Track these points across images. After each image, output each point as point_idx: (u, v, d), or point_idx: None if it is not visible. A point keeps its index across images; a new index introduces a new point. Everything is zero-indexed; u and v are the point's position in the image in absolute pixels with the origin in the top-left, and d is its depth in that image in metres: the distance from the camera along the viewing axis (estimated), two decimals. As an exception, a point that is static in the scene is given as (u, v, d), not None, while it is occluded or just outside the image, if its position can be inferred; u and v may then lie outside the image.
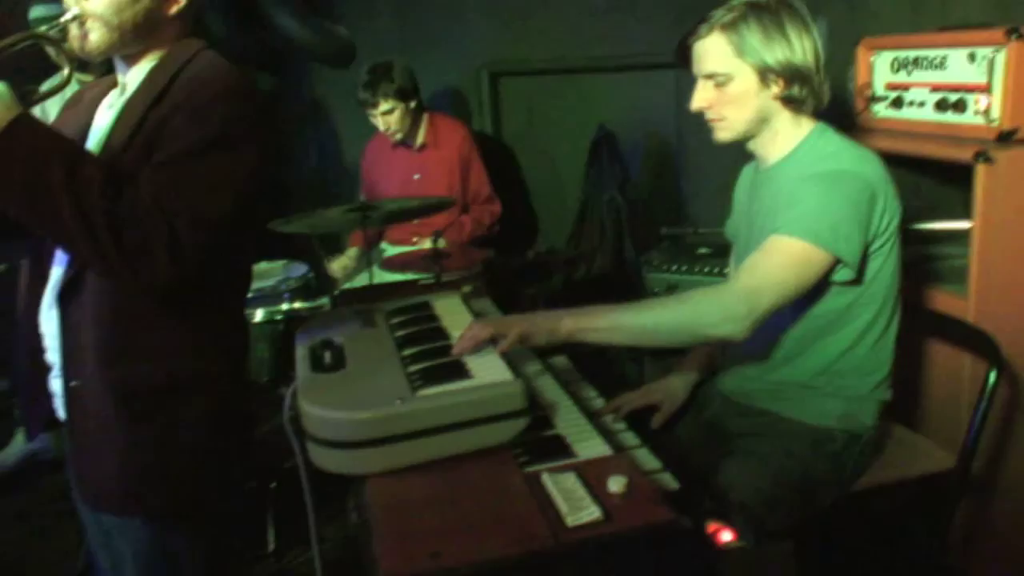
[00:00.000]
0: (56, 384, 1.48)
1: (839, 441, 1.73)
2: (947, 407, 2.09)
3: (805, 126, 1.74)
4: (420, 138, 3.46)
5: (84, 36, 1.38)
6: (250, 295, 2.92)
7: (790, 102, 1.68)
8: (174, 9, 1.44)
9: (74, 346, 1.41)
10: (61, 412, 1.48)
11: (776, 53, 1.63)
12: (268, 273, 3.24)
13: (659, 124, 3.29)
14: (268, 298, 3.02)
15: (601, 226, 3.37)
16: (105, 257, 1.24)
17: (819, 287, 1.66)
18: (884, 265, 1.69)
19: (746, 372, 1.83)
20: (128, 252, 1.24)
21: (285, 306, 2.99)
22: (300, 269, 3.26)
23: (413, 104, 3.35)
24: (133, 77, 1.46)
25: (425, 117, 3.47)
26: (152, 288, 1.31)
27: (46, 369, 1.51)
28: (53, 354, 1.47)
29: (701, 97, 1.72)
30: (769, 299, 1.55)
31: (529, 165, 4.06)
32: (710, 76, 1.69)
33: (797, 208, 1.61)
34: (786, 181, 1.70)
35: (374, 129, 3.49)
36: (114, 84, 1.53)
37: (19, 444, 3.20)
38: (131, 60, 1.46)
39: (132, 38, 1.41)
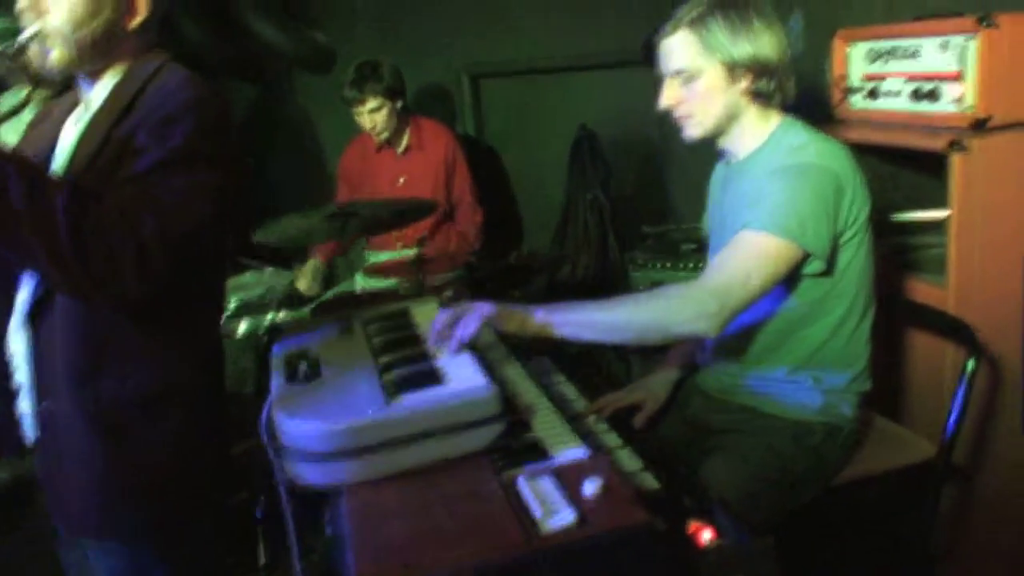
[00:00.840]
0: (25, 406, 1.46)
1: (819, 434, 1.74)
2: (929, 397, 2.10)
3: (773, 120, 1.74)
4: (405, 141, 3.45)
5: (45, 53, 1.37)
6: (235, 306, 2.98)
7: (758, 96, 1.69)
8: (134, 23, 1.42)
9: (44, 367, 1.40)
10: (30, 435, 1.47)
11: (743, 48, 1.64)
12: (253, 284, 3.24)
13: (640, 122, 3.30)
14: (253, 309, 3.02)
15: (585, 226, 3.38)
16: (72, 277, 1.22)
17: (791, 281, 1.67)
18: (855, 257, 1.70)
19: (725, 368, 1.84)
20: (95, 271, 1.22)
21: (271, 316, 2.99)
22: (285, 278, 3.26)
23: (400, 104, 3.34)
24: (97, 93, 1.44)
25: (410, 120, 3.46)
26: (122, 306, 1.30)
27: (13, 392, 1.48)
28: (21, 375, 1.46)
29: (669, 95, 1.72)
30: (739, 295, 1.56)
31: (512, 166, 4.06)
32: (677, 73, 1.70)
33: (764, 203, 1.61)
34: (755, 175, 1.71)
35: (356, 134, 3.48)
36: (78, 101, 1.52)
37: (2, 463, 3.19)
38: (94, 76, 1.45)
39: (93, 53, 1.40)
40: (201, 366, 1.50)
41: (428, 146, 3.46)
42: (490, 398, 1.27)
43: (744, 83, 1.67)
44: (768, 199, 1.62)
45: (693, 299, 1.58)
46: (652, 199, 3.50)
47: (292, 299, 3.16)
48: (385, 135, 3.36)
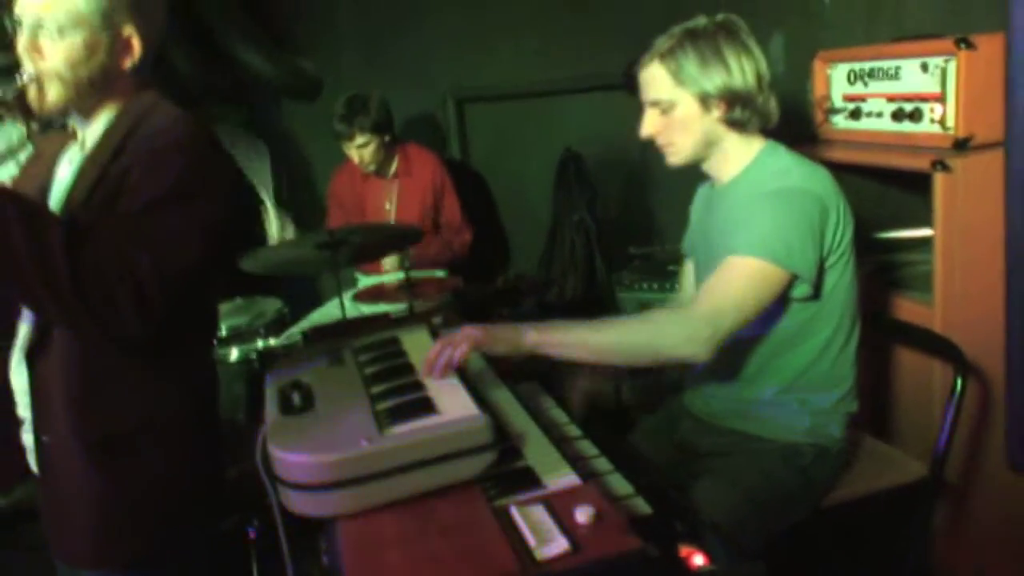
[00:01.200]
0: (27, 439, 1.49)
1: (808, 455, 1.75)
2: (918, 416, 2.12)
3: (755, 144, 1.77)
4: (393, 168, 3.50)
5: (42, 95, 1.39)
6: (225, 333, 2.98)
7: (734, 124, 1.72)
8: (128, 63, 1.45)
9: (44, 401, 1.42)
10: (34, 466, 1.49)
11: (714, 79, 1.66)
12: (241, 310, 3.24)
13: (624, 143, 3.32)
14: (243, 335, 3.03)
15: (571, 247, 3.40)
16: (73, 315, 1.25)
17: (778, 304, 1.69)
18: (840, 278, 1.72)
19: (712, 391, 1.86)
20: (94, 309, 1.24)
21: (260, 343, 2.99)
22: (273, 305, 3.27)
23: (388, 138, 3.39)
24: (92, 131, 1.47)
25: (398, 148, 3.50)
26: (122, 343, 1.32)
27: (17, 424, 1.51)
28: (24, 410, 1.48)
29: (649, 124, 1.75)
30: (730, 320, 1.58)
31: (498, 190, 4.08)
32: (655, 104, 1.73)
33: (751, 227, 1.64)
34: (739, 199, 1.73)
35: (344, 158, 3.50)
36: (72, 138, 1.54)
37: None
38: (88, 113, 1.47)
39: (89, 93, 1.43)
40: (195, 395, 1.52)
41: (415, 171, 3.50)
42: (482, 427, 1.28)
43: (718, 112, 1.70)
44: (754, 224, 1.64)
45: (684, 323, 1.61)
46: (638, 220, 3.52)
47: (281, 324, 3.16)
48: (373, 167, 3.41)
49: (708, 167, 1.81)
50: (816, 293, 1.69)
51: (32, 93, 1.39)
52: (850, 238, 1.72)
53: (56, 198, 1.47)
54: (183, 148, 1.37)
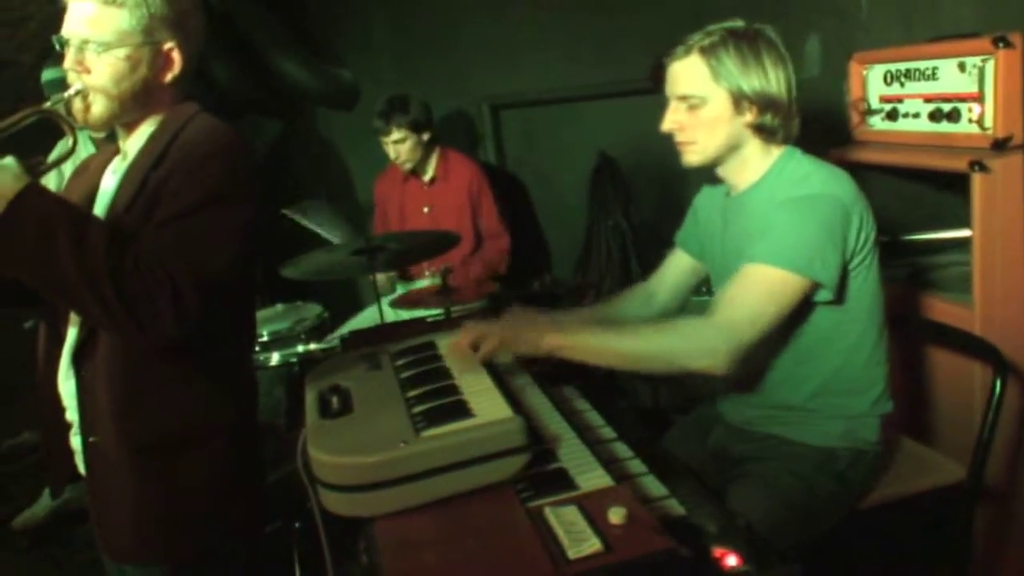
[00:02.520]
0: (76, 441, 1.54)
1: (844, 460, 1.74)
2: (957, 418, 2.10)
3: (774, 153, 1.75)
4: (430, 172, 3.56)
5: (87, 108, 1.47)
6: (266, 338, 3.04)
7: (761, 131, 1.70)
8: (169, 77, 1.51)
9: (90, 404, 1.48)
10: (82, 468, 1.54)
11: (752, 81, 1.65)
12: (283, 316, 3.30)
13: (658, 147, 3.31)
14: (284, 340, 3.08)
15: (608, 252, 3.41)
16: (113, 316, 1.30)
17: (803, 311, 1.67)
18: (865, 281, 1.71)
19: (746, 399, 1.85)
20: (134, 310, 1.30)
21: (300, 348, 3.04)
22: (314, 310, 3.32)
23: (426, 137, 3.45)
24: (133, 143, 1.53)
25: (436, 151, 3.55)
26: (160, 343, 1.37)
27: (67, 427, 1.57)
28: (72, 413, 1.54)
29: (672, 119, 1.73)
30: (748, 332, 1.57)
31: (534, 195, 4.11)
32: (683, 98, 1.71)
33: (771, 236, 1.62)
34: (758, 207, 1.71)
35: (384, 166, 3.57)
36: (117, 151, 1.60)
37: (49, 497, 3.26)
38: (130, 127, 1.54)
39: (132, 106, 1.49)
40: (237, 398, 1.58)
41: (453, 177, 3.55)
42: (516, 429, 1.30)
43: (749, 116, 1.68)
44: (775, 232, 1.62)
45: (701, 335, 1.59)
46: (672, 223, 3.51)
47: (321, 330, 3.21)
48: (408, 165, 3.48)
49: (724, 172, 1.79)
50: (840, 298, 1.67)
51: (78, 106, 1.46)
52: (872, 240, 1.70)
53: (101, 207, 1.53)
54: (220, 155, 1.43)
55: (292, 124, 4.61)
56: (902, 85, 2.32)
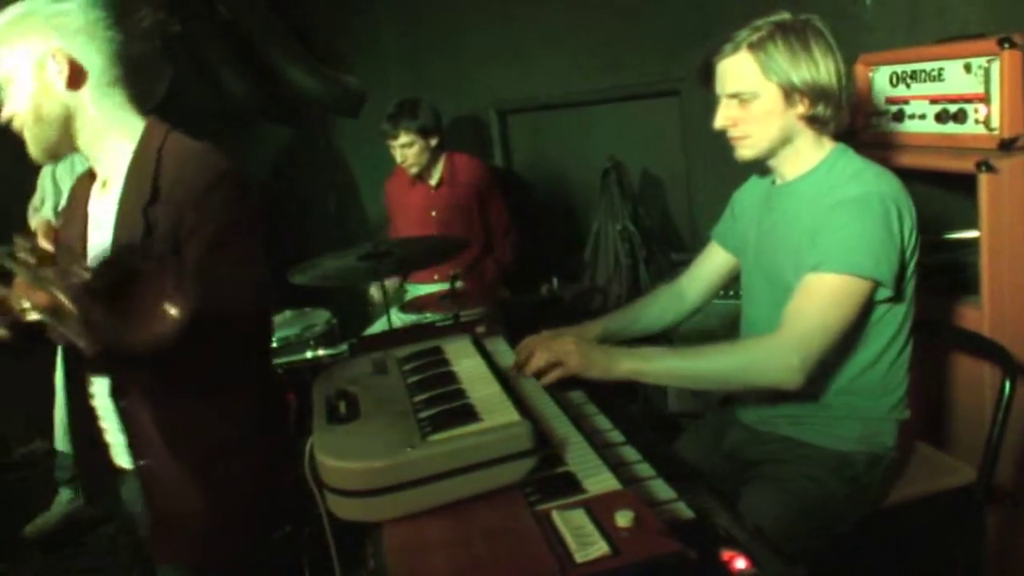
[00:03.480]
0: (125, 462, 1.59)
1: (860, 464, 1.73)
2: (969, 421, 2.09)
3: (826, 146, 1.74)
4: (437, 176, 3.56)
5: (29, 147, 1.52)
6: (275, 344, 3.04)
7: (814, 121, 1.69)
8: (86, 85, 1.47)
9: (136, 433, 1.52)
10: (133, 487, 1.59)
11: (802, 73, 1.64)
12: (291, 322, 3.31)
13: (666, 150, 3.33)
14: (293, 346, 3.09)
15: (616, 256, 3.40)
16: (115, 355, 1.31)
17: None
18: (908, 280, 1.69)
19: (763, 397, 1.83)
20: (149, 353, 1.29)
21: (310, 354, 3.04)
22: (323, 316, 3.33)
23: (434, 142, 3.45)
24: (106, 169, 1.55)
25: (443, 156, 3.55)
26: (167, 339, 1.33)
27: (107, 446, 1.63)
28: (116, 438, 1.58)
29: (725, 115, 1.73)
30: (820, 344, 1.57)
31: (542, 200, 4.11)
32: (735, 95, 1.70)
33: (831, 240, 1.60)
34: (806, 199, 1.70)
35: (395, 166, 3.57)
36: (93, 177, 1.61)
37: (62, 504, 3.28)
38: (89, 151, 1.54)
39: (64, 130, 1.50)
40: (263, 408, 1.64)
41: (460, 180, 3.55)
42: (524, 433, 1.30)
43: (801, 107, 1.67)
44: (834, 235, 1.60)
45: (774, 352, 1.59)
46: (680, 227, 3.52)
47: (330, 336, 3.21)
48: (415, 170, 3.47)
49: (775, 162, 1.78)
50: (898, 296, 1.66)
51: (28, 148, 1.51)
52: (917, 239, 1.68)
53: (98, 243, 1.53)
54: (222, 185, 1.44)
55: (299, 131, 4.63)
56: (908, 86, 2.31)
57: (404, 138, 3.38)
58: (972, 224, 2.11)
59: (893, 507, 1.80)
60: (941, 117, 2.18)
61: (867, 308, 1.64)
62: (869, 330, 1.70)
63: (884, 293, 1.63)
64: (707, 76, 1.76)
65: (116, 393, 1.51)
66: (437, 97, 3.57)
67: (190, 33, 4.27)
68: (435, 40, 4.21)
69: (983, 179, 1.97)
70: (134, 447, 1.53)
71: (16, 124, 1.49)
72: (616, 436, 1.69)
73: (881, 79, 2.39)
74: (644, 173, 3.60)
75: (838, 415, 1.75)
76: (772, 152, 1.74)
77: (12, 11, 1.46)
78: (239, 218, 1.44)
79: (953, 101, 2.16)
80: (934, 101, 2.22)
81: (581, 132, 3.87)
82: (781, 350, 1.58)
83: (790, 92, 1.65)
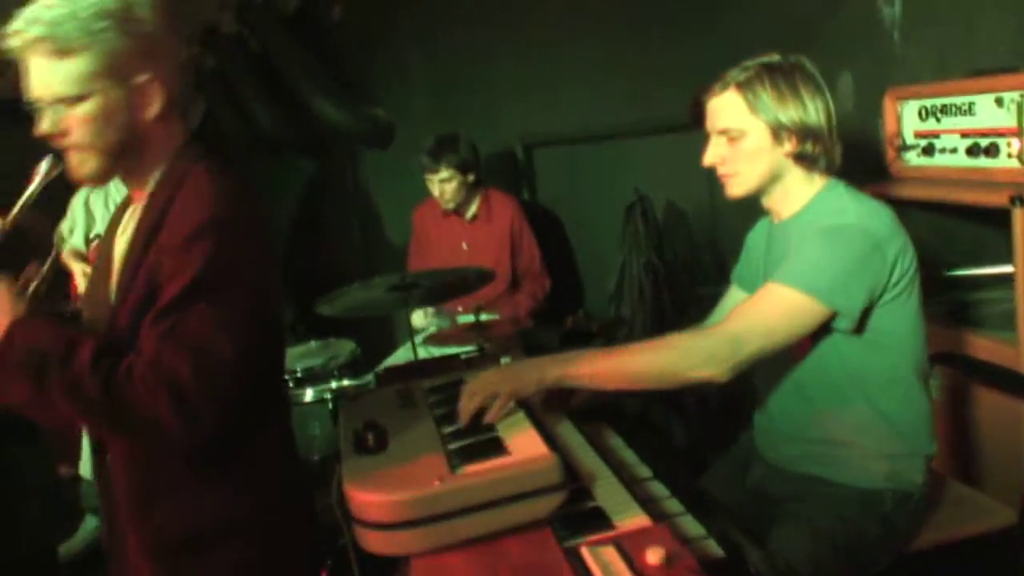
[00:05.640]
0: (92, 523, 1.51)
1: (888, 501, 1.69)
2: (1005, 459, 2.04)
3: (817, 183, 1.76)
4: (473, 210, 3.58)
5: (77, 167, 1.37)
6: (299, 375, 3.06)
7: (802, 159, 1.72)
8: (153, 111, 1.37)
9: (109, 493, 1.44)
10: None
11: (789, 112, 1.67)
12: (316, 352, 3.33)
13: (691, 183, 3.32)
14: (318, 376, 3.10)
15: (640, 289, 3.39)
16: (116, 431, 1.30)
17: (826, 340, 1.67)
18: (901, 317, 1.68)
19: (782, 435, 1.82)
20: (134, 423, 1.25)
21: (334, 384, 3.05)
22: (347, 347, 3.34)
23: (472, 178, 3.48)
24: (141, 198, 1.43)
25: (480, 191, 3.58)
26: (179, 448, 1.30)
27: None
28: (91, 499, 1.51)
29: (714, 153, 1.76)
30: (755, 344, 1.58)
31: (568, 232, 4.11)
32: (723, 132, 1.73)
33: (797, 259, 1.63)
34: (796, 235, 1.72)
35: (418, 202, 3.58)
36: (128, 203, 1.53)
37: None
38: (137, 176, 1.43)
39: (124, 155, 1.37)
40: (266, 499, 1.45)
41: (495, 216, 3.58)
42: (552, 467, 1.29)
43: (789, 146, 1.70)
44: (800, 255, 1.63)
45: (705, 344, 1.60)
46: (705, 261, 3.51)
47: (355, 366, 3.22)
48: (452, 205, 3.49)
49: (768, 201, 1.81)
50: (859, 328, 1.65)
51: (72, 164, 1.36)
52: (910, 276, 1.67)
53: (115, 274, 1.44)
54: (207, 235, 1.29)
55: (326, 163, 4.68)
56: (938, 120, 2.29)
57: (444, 173, 3.39)
58: (1005, 259, 2.07)
59: (928, 550, 1.75)
60: (972, 151, 2.17)
61: (824, 333, 1.65)
62: (861, 365, 1.69)
63: (843, 323, 1.63)
64: (698, 114, 1.80)
65: (98, 445, 1.42)
66: (463, 130, 3.59)
67: (222, 67, 4.36)
68: (462, 73, 4.24)
69: (1017, 213, 1.95)
70: (105, 508, 1.42)
71: (68, 142, 1.34)
72: (644, 471, 1.68)
73: (910, 113, 2.38)
74: (669, 206, 3.59)
75: (862, 452, 1.72)
76: (762, 189, 1.76)
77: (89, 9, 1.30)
78: (212, 282, 1.27)
79: (985, 135, 2.14)
80: (965, 135, 2.20)
81: (607, 165, 3.87)
82: (714, 341, 1.59)
83: (777, 130, 1.69)
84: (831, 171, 1.76)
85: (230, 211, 1.33)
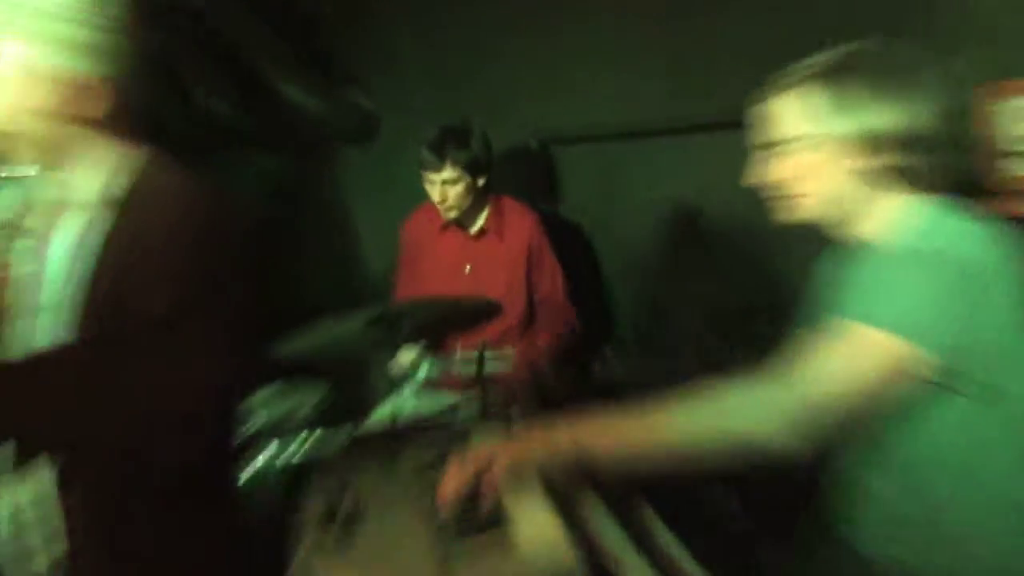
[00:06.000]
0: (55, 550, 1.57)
1: None
2: None
3: (906, 200, 1.70)
4: (480, 223, 3.43)
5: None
6: (257, 428, 3.04)
7: (888, 174, 1.67)
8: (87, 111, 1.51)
9: (70, 526, 1.52)
10: None
11: (877, 117, 1.63)
12: (280, 397, 3.30)
13: (751, 195, 3.33)
14: (280, 428, 3.08)
15: (685, 322, 3.39)
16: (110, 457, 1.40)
17: (944, 408, 1.63)
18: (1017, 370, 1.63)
19: (892, 526, 1.77)
20: (124, 450, 1.39)
21: (302, 438, 3.04)
22: (317, 390, 3.32)
23: (481, 182, 3.34)
24: (76, 192, 1.55)
25: (489, 201, 3.44)
26: (156, 480, 1.44)
27: None
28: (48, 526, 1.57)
29: (766, 168, 1.76)
30: (825, 394, 1.53)
31: (591, 249, 4.11)
32: (779, 143, 1.72)
33: (865, 289, 1.59)
34: (872, 264, 1.67)
35: (418, 203, 3.52)
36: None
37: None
38: (57, 165, 1.55)
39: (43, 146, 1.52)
40: (218, 545, 1.59)
41: (508, 231, 3.42)
42: (567, 563, 1.31)
43: (872, 159, 1.66)
44: (869, 286, 1.59)
45: (764, 398, 1.56)
46: (767, 292, 3.50)
47: (327, 416, 3.21)
48: (454, 213, 3.34)
49: (835, 228, 1.78)
50: (956, 379, 1.59)
51: None
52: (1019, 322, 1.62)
53: (58, 274, 1.54)
54: (185, 251, 1.44)
55: (297, 162, 4.70)
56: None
57: (448, 172, 3.24)
58: None
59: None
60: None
61: (913, 380, 1.57)
62: (998, 434, 1.64)
63: (930, 369, 1.56)
64: (749, 119, 1.79)
65: (63, 487, 1.51)
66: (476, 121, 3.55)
67: (166, 46, 4.40)
68: (464, 56, 4.26)
69: None
70: (68, 535, 1.51)
71: None
72: (681, 557, 1.70)
73: (1009, 114, 2.39)
74: (720, 221, 3.59)
75: (1006, 543, 1.66)
76: (826, 213, 1.74)
77: None
78: (204, 291, 1.43)
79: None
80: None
81: (641, 168, 3.85)
82: (776, 396, 1.55)
83: (860, 141, 1.66)
84: (935, 187, 1.70)
85: (208, 210, 1.49)
